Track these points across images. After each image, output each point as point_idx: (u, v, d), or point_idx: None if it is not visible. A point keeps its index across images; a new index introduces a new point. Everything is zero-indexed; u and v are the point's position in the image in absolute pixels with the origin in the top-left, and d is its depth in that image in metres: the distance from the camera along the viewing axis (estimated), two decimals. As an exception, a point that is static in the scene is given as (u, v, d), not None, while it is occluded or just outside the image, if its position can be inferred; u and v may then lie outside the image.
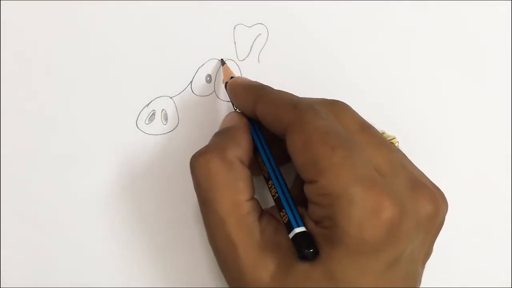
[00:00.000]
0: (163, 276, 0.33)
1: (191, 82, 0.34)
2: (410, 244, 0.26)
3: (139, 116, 0.34)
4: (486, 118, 0.37)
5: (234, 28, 0.35)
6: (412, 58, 0.37)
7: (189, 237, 0.33)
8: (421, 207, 0.27)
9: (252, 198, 0.28)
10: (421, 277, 0.29)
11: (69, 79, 0.33)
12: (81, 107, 0.33)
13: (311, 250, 0.26)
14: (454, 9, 0.37)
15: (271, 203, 0.29)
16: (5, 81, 0.33)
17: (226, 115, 0.32)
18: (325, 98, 0.30)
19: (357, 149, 0.27)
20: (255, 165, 0.30)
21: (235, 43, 0.35)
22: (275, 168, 0.29)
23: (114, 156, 0.33)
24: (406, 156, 0.29)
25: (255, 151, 0.30)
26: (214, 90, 0.34)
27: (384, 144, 0.28)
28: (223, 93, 0.34)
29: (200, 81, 0.34)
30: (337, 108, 0.29)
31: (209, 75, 0.34)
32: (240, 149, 0.29)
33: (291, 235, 0.27)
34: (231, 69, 0.34)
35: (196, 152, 0.28)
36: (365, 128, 0.29)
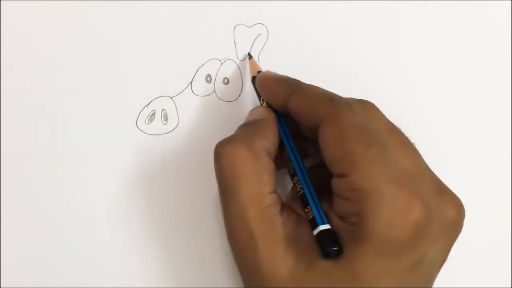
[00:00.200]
0: (168, 277, 0.33)
1: (191, 82, 0.34)
2: (434, 247, 0.26)
3: (139, 116, 0.34)
4: (486, 118, 0.37)
5: (234, 28, 0.35)
6: (412, 58, 0.37)
7: (190, 236, 0.33)
8: (447, 211, 0.27)
9: (275, 191, 0.28)
10: (434, 281, 0.29)
11: (69, 79, 0.33)
12: (81, 107, 0.33)
13: (335, 248, 0.26)
14: (454, 9, 0.37)
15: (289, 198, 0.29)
16: (5, 81, 0.33)
17: (252, 109, 0.32)
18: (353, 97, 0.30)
19: (388, 148, 0.27)
20: (277, 160, 0.30)
21: (235, 43, 0.35)
22: (300, 164, 0.29)
23: (114, 156, 0.33)
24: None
25: (281, 146, 0.30)
26: (214, 90, 0.34)
27: (411, 147, 0.28)
28: (223, 93, 0.34)
29: (200, 81, 0.34)
30: (367, 107, 0.29)
31: (209, 75, 0.34)
32: (267, 141, 0.29)
33: (315, 232, 0.27)
34: (231, 69, 0.34)
35: (222, 140, 0.28)
36: (393, 129, 0.29)
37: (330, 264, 0.26)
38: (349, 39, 0.36)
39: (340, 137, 0.27)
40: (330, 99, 0.28)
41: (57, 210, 0.33)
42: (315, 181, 0.29)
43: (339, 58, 0.36)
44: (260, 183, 0.27)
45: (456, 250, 0.36)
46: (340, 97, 0.29)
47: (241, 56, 0.35)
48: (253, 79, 0.33)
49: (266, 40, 0.35)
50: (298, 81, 0.30)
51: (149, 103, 0.34)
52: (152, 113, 0.34)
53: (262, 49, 0.35)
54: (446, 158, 0.36)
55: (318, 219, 0.27)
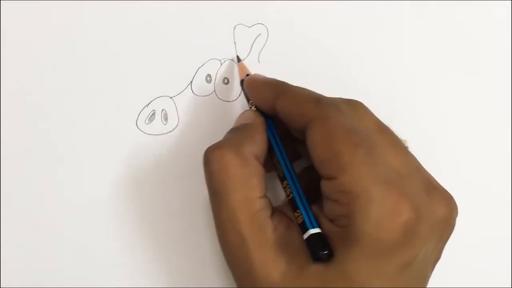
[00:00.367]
0: (164, 277, 0.33)
1: (191, 82, 0.34)
2: (424, 247, 0.26)
3: (139, 116, 0.34)
4: (486, 118, 0.37)
5: (234, 28, 0.35)
6: (412, 58, 0.37)
7: (189, 236, 0.33)
8: (436, 210, 0.27)
9: (265, 196, 0.28)
10: (429, 279, 0.29)
11: (69, 79, 0.33)
12: (81, 107, 0.33)
13: (326, 252, 0.26)
14: (454, 9, 0.37)
15: (280, 201, 0.29)
16: (5, 81, 0.33)
17: (241, 113, 0.32)
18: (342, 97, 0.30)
19: (376, 148, 0.27)
20: (267, 163, 0.30)
21: (235, 43, 0.35)
22: (290, 168, 0.29)
23: (114, 156, 0.33)
24: (417, 159, 0.29)
25: (269, 150, 0.30)
26: (214, 90, 0.34)
27: (400, 146, 0.28)
28: (223, 93, 0.34)
29: (200, 81, 0.34)
30: (355, 107, 0.29)
31: (209, 75, 0.34)
32: (256, 146, 0.29)
33: (305, 236, 0.27)
34: (231, 69, 0.34)
35: (211, 145, 0.28)
36: (382, 128, 0.29)
37: (321, 267, 0.26)
38: (349, 39, 0.36)
39: (327, 139, 0.26)
40: (317, 100, 0.28)
41: (57, 210, 0.33)
42: (308, 183, 0.29)
43: (339, 58, 0.36)
44: (250, 188, 0.27)
45: (456, 250, 0.36)
46: (327, 98, 0.28)
47: (241, 56, 0.35)
48: (242, 82, 0.33)
49: (266, 40, 0.35)
50: (285, 83, 0.30)
51: (149, 103, 0.34)
52: (152, 113, 0.34)
53: (262, 49, 0.35)
54: (446, 158, 0.36)
55: (308, 223, 0.27)
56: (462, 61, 0.37)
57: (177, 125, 0.34)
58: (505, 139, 0.37)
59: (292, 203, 0.28)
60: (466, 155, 0.37)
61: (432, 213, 0.27)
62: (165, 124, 0.34)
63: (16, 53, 0.33)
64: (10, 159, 0.32)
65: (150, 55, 0.34)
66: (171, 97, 0.34)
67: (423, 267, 0.27)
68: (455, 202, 0.28)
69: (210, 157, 0.28)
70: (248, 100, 0.32)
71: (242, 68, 0.34)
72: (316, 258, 0.26)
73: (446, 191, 0.28)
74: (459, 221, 0.35)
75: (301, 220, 0.27)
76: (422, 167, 0.29)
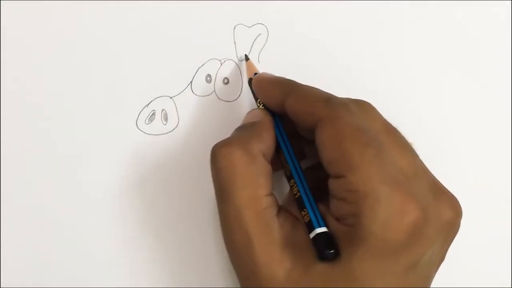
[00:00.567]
0: (166, 277, 0.33)
1: (191, 82, 0.34)
2: (431, 248, 0.26)
3: (139, 116, 0.34)
4: (486, 118, 0.37)
5: (234, 28, 0.35)
6: (412, 58, 0.37)
7: (189, 236, 0.33)
8: (443, 213, 0.27)
9: (271, 194, 0.28)
10: (432, 281, 0.29)
11: (69, 79, 0.33)
12: (81, 107, 0.33)
13: (332, 251, 0.26)
14: (454, 9, 0.37)
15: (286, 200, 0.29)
16: (5, 81, 0.33)
17: (249, 111, 0.32)
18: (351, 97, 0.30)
19: (384, 149, 0.27)
20: (274, 162, 0.30)
21: (235, 43, 0.35)
22: (297, 166, 0.29)
23: (114, 156, 0.33)
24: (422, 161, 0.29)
25: (276, 148, 0.30)
26: (214, 90, 0.34)
27: (408, 147, 0.28)
28: (223, 93, 0.34)
29: (200, 81, 0.34)
30: (364, 107, 0.29)
31: (209, 75, 0.34)
32: (263, 144, 0.29)
33: (312, 235, 0.27)
34: (231, 69, 0.34)
35: (218, 142, 0.28)
36: (390, 129, 0.29)
37: (327, 267, 0.26)
38: (349, 39, 0.36)
39: (337, 138, 0.27)
40: (327, 99, 0.28)
41: (57, 210, 0.33)
42: (314, 182, 0.29)
43: (339, 58, 0.36)
44: (257, 185, 0.27)
45: (456, 250, 0.36)
46: (337, 97, 0.29)
47: (241, 56, 0.35)
48: (250, 81, 0.33)
49: (266, 40, 0.35)
50: (294, 82, 0.30)
51: (149, 103, 0.34)
52: (152, 113, 0.34)
53: (262, 49, 0.35)
54: (446, 158, 0.36)
55: (314, 222, 0.27)
56: (462, 61, 0.37)
57: (177, 125, 0.34)
58: (505, 139, 0.37)
59: (299, 202, 0.28)
60: (466, 155, 0.37)
61: (439, 215, 0.27)
62: (165, 124, 0.34)
63: (16, 53, 0.33)
64: (10, 159, 0.32)
65: (150, 55, 0.34)
66: (171, 97, 0.34)
67: (428, 268, 0.27)
68: (460, 205, 0.28)
69: (218, 153, 0.28)
70: (256, 98, 0.32)
71: (250, 66, 0.34)
72: (323, 257, 0.26)
73: (452, 194, 0.28)
74: (459, 221, 0.35)
75: (308, 219, 0.27)
76: (428, 170, 0.29)
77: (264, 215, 0.27)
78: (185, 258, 0.33)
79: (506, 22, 0.38)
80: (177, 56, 0.34)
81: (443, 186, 0.28)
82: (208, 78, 0.34)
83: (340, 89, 0.34)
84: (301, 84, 0.30)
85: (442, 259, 0.29)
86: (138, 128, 0.33)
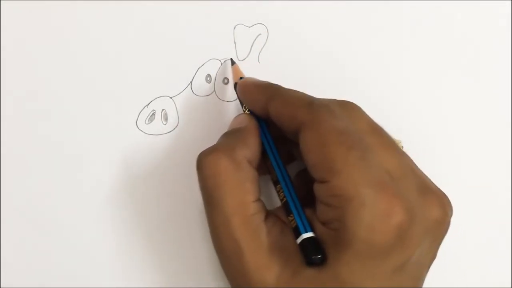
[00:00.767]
0: (163, 277, 0.33)
1: (191, 82, 0.34)
2: (418, 248, 0.26)
3: (139, 116, 0.34)
4: (486, 118, 0.37)
5: (234, 28, 0.35)
6: (412, 59, 0.37)
7: (189, 237, 0.33)
8: (430, 212, 0.27)
9: (258, 200, 0.28)
10: (424, 281, 0.29)
11: (69, 79, 0.33)
12: (81, 107, 0.33)
13: (319, 256, 0.26)
14: (454, 9, 0.37)
15: (275, 204, 0.29)
16: (5, 81, 0.33)
17: (235, 117, 0.32)
18: (335, 98, 0.30)
19: (369, 150, 0.26)
20: (260, 167, 0.30)
21: (235, 43, 0.35)
22: (283, 171, 0.29)
23: (114, 156, 0.33)
24: (412, 159, 0.29)
25: (263, 153, 0.30)
26: (214, 90, 0.34)
27: (394, 147, 0.28)
28: (223, 93, 0.34)
29: (200, 81, 0.34)
30: (348, 108, 0.29)
31: (209, 75, 0.34)
32: (249, 150, 0.29)
33: (298, 240, 0.27)
34: (231, 69, 0.34)
35: (204, 150, 0.28)
36: (376, 130, 0.28)
37: (314, 271, 0.26)
38: (349, 39, 0.36)
39: (319, 142, 0.26)
40: (309, 103, 0.28)
41: (57, 210, 0.33)
42: (303, 185, 0.29)
43: (339, 58, 0.36)
44: (244, 192, 0.27)
45: (456, 250, 0.36)
46: (319, 100, 0.28)
47: (241, 56, 0.35)
48: (236, 85, 0.33)
49: (266, 40, 0.35)
50: (278, 86, 0.30)
51: (149, 103, 0.34)
52: (152, 113, 0.34)
53: (262, 49, 0.35)
54: (446, 158, 0.36)
55: (301, 227, 0.27)
56: (462, 61, 0.37)
57: (177, 125, 0.34)
58: (505, 139, 0.37)
59: (285, 207, 0.28)
60: (466, 155, 0.37)
61: (426, 214, 0.27)
62: (165, 124, 0.34)
63: (16, 53, 0.33)
64: (10, 159, 0.32)
65: (150, 55, 0.34)
66: (171, 97, 0.34)
67: (417, 268, 0.27)
68: (449, 203, 0.28)
69: (203, 162, 0.28)
70: (241, 103, 0.32)
71: (236, 71, 0.34)
72: (310, 262, 0.26)
73: (440, 192, 0.28)
74: (459, 221, 0.35)
75: (295, 224, 0.27)
76: (417, 169, 0.28)
77: (252, 221, 0.27)
78: (184, 258, 0.33)
79: (506, 22, 0.38)
80: (177, 56, 0.34)
81: (432, 185, 0.28)
82: (208, 78, 0.34)
83: (340, 89, 0.34)
84: (284, 88, 0.30)
85: (433, 258, 0.28)
86: (138, 128, 0.33)
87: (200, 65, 0.34)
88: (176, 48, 0.34)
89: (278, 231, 0.28)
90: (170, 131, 0.34)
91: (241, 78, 0.33)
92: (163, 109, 0.34)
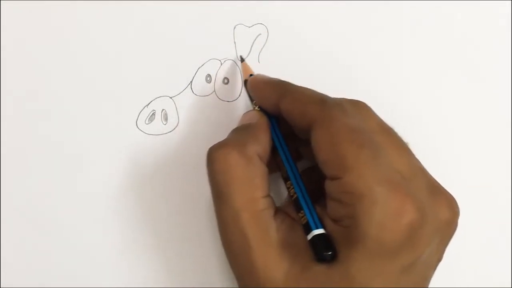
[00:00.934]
0: (165, 276, 0.33)
1: (191, 82, 0.34)
2: (428, 248, 0.26)
3: (139, 116, 0.34)
4: (486, 118, 0.37)
5: (234, 28, 0.35)
6: (412, 59, 0.37)
7: (189, 236, 0.33)
8: (440, 212, 0.27)
9: (268, 195, 0.28)
10: (430, 281, 0.29)
11: (69, 79, 0.33)
12: (81, 107, 0.33)
13: (330, 253, 0.26)
14: (454, 9, 0.37)
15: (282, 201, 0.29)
16: (5, 81, 0.33)
17: (245, 113, 0.32)
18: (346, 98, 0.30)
19: (380, 149, 0.27)
20: (270, 164, 0.30)
21: (235, 43, 0.35)
22: (294, 168, 0.29)
23: (114, 156, 0.33)
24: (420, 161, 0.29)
25: (273, 150, 0.30)
26: (214, 90, 0.34)
27: (404, 147, 0.28)
28: (223, 93, 0.34)
29: (200, 81, 0.34)
30: (359, 107, 0.29)
31: (209, 75, 0.34)
32: (259, 145, 0.29)
33: (309, 236, 0.27)
34: (231, 69, 0.34)
35: (214, 145, 0.28)
36: (386, 129, 0.29)
37: (324, 268, 0.26)
38: (349, 39, 0.36)
39: (332, 139, 0.26)
40: (322, 100, 0.28)
41: (57, 210, 0.33)
42: (312, 183, 0.29)
43: (339, 58, 0.36)
44: (253, 187, 0.27)
45: (456, 250, 0.36)
46: (331, 98, 0.28)
47: (239, 57, 0.35)
48: (245, 82, 0.33)
49: (266, 40, 0.35)
50: (289, 83, 0.30)
51: (149, 103, 0.34)
52: (152, 113, 0.34)
53: (262, 49, 0.35)
54: (447, 158, 0.36)
55: (311, 223, 0.27)
56: (462, 61, 0.37)
57: (177, 125, 0.34)
58: (505, 139, 0.37)
59: (296, 204, 0.28)
60: (466, 155, 0.37)
61: (436, 215, 0.27)
62: (165, 124, 0.34)
63: (16, 53, 0.33)
64: (10, 159, 0.32)
65: (150, 55, 0.34)
66: (171, 97, 0.34)
67: (425, 268, 0.27)
68: (457, 205, 0.28)
69: (214, 156, 0.28)
70: (251, 100, 0.32)
71: (245, 68, 0.34)
72: (320, 258, 0.26)
73: (449, 194, 0.28)
74: (459, 221, 0.35)
75: (305, 220, 0.27)
76: (425, 169, 0.29)
77: (262, 216, 0.27)
78: (184, 258, 0.33)
79: (506, 22, 0.38)
80: (177, 56, 0.34)
81: (441, 186, 0.28)
82: (208, 78, 0.34)
83: (340, 89, 0.34)
84: (296, 85, 0.30)
85: (439, 258, 0.29)
86: (138, 128, 0.33)
87: (200, 65, 0.34)
88: (176, 48, 0.34)
89: (287, 227, 0.28)
90: (170, 131, 0.34)
91: (251, 75, 0.33)
92: (163, 109, 0.34)
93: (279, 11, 0.35)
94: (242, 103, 0.34)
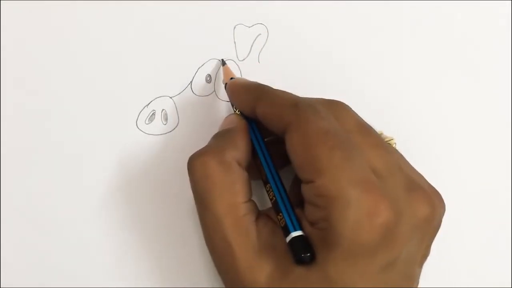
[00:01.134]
0: (162, 276, 0.33)
1: (191, 82, 0.34)
2: (406, 246, 0.26)
3: (139, 116, 0.34)
4: (486, 118, 0.37)
5: (234, 28, 0.35)
6: (412, 59, 0.37)
7: (189, 237, 0.33)
8: (417, 209, 0.27)
9: (249, 200, 0.28)
10: (418, 278, 0.29)
11: (69, 79, 0.33)
12: (81, 107, 0.33)
13: (308, 255, 0.26)
14: (454, 9, 0.37)
15: (269, 205, 0.29)
16: (5, 81, 0.33)
17: (226, 117, 0.32)
18: (324, 97, 0.30)
19: (355, 150, 0.26)
20: (253, 168, 0.30)
21: (235, 43, 0.35)
22: (273, 171, 0.29)
23: (114, 156, 0.33)
24: (403, 157, 0.29)
25: (254, 153, 0.30)
26: (214, 90, 0.34)
27: (381, 145, 0.28)
28: (223, 93, 0.34)
29: (200, 81, 0.34)
30: (336, 107, 0.29)
31: (209, 75, 0.34)
32: (238, 151, 0.29)
33: (287, 239, 0.27)
34: (232, 69, 0.34)
35: (193, 153, 0.28)
36: (363, 128, 0.29)
37: (304, 270, 0.26)
38: (349, 39, 0.36)
39: (304, 142, 0.26)
40: (295, 103, 0.28)
41: (57, 210, 0.33)
42: (299, 188, 0.29)
43: (339, 58, 0.36)
44: (233, 193, 0.28)
45: (456, 250, 0.36)
46: (305, 100, 0.28)
47: (241, 56, 0.35)
48: (226, 86, 0.33)
49: (266, 40, 0.35)
50: (265, 87, 0.30)
51: (149, 103, 0.34)
52: (152, 113, 0.34)
53: (262, 49, 0.35)
54: (446, 158, 0.36)
55: (290, 226, 0.27)
56: (462, 61, 0.37)
57: (177, 125, 0.34)
58: (505, 139, 0.37)
59: (275, 206, 0.28)
60: (466, 155, 0.37)
61: (413, 213, 0.27)
62: (165, 124, 0.34)
63: (16, 53, 0.33)
64: (10, 159, 0.32)
65: (150, 55, 0.34)
66: (171, 97, 0.34)
67: (407, 266, 0.27)
68: (438, 200, 0.28)
69: (193, 165, 0.28)
70: (232, 104, 0.32)
71: (226, 71, 0.34)
72: (298, 260, 0.26)
73: (431, 189, 0.28)
74: (459, 221, 0.35)
75: (284, 223, 0.27)
76: (406, 166, 0.28)
77: (243, 221, 0.27)
78: (183, 258, 0.33)
79: (506, 22, 0.38)
80: (177, 56, 0.34)
81: (421, 181, 0.28)
82: (208, 78, 0.34)
83: (340, 89, 0.34)
84: (272, 89, 0.30)
85: (425, 255, 0.28)
86: (138, 128, 0.33)
87: (200, 65, 0.34)
88: (176, 48, 0.34)
89: (269, 231, 0.28)
90: (170, 131, 0.34)
91: (231, 78, 0.33)
92: (163, 109, 0.34)
93: (279, 11, 0.35)
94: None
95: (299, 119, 0.27)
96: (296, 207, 0.28)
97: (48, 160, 0.33)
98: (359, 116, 0.29)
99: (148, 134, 0.34)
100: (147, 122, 0.34)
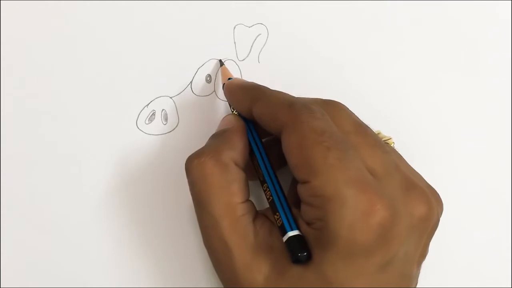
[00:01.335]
0: (160, 276, 0.33)
1: (191, 82, 0.34)
2: (403, 246, 0.26)
3: (139, 116, 0.34)
4: (487, 118, 0.37)
5: (234, 28, 0.35)
6: (412, 59, 0.37)
7: (189, 236, 0.33)
8: (414, 209, 0.27)
9: (247, 200, 0.28)
10: (417, 277, 0.29)
11: (69, 79, 0.33)
12: (81, 107, 0.33)
13: (304, 254, 0.26)
14: (454, 9, 0.37)
15: (266, 205, 0.29)
16: (5, 81, 0.33)
17: (223, 118, 0.32)
18: (321, 97, 0.30)
19: (351, 150, 0.27)
20: (251, 169, 0.30)
21: (235, 43, 0.35)
22: (270, 170, 0.29)
23: (114, 156, 0.33)
24: (401, 156, 0.29)
25: (251, 153, 0.30)
26: (214, 90, 0.34)
27: (378, 145, 0.28)
28: (222, 93, 0.34)
29: (200, 81, 0.34)
30: (332, 108, 0.29)
31: (209, 75, 0.34)
32: (235, 151, 0.29)
33: (284, 238, 0.27)
34: (231, 69, 0.34)
35: (191, 154, 0.29)
36: (360, 128, 0.29)
37: (301, 269, 0.26)
38: (349, 39, 0.36)
39: (299, 143, 0.26)
40: (291, 104, 0.28)
41: (57, 211, 0.33)
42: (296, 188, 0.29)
43: (339, 58, 0.36)
44: (231, 194, 0.28)
45: (456, 250, 0.36)
46: (301, 101, 0.28)
47: (241, 56, 0.35)
48: (223, 86, 0.33)
49: (266, 40, 0.35)
50: (262, 87, 0.30)
51: (149, 103, 0.34)
52: (152, 113, 0.34)
53: (262, 49, 0.35)
54: (447, 158, 0.36)
55: (286, 225, 0.27)
56: (462, 61, 0.37)
57: (177, 125, 0.34)
58: (505, 139, 0.37)
59: (272, 206, 0.28)
60: (466, 155, 0.37)
61: (410, 211, 0.27)
62: (165, 124, 0.34)
63: (16, 53, 0.33)
64: (10, 159, 0.32)
65: (150, 55, 0.34)
66: (171, 97, 0.34)
67: (405, 265, 0.27)
68: (436, 199, 0.28)
69: (190, 166, 0.28)
70: (230, 104, 0.32)
71: (224, 72, 0.34)
72: (295, 259, 0.26)
73: (428, 189, 0.28)
74: (459, 221, 0.35)
75: (281, 223, 0.27)
76: (404, 165, 0.29)
77: (241, 222, 0.28)
78: (181, 258, 0.33)
79: (506, 22, 0.38)
80: (177, 56, 0.34)
81: (419, 181, 0.28)
82: (208, 78, 0.34)
83: (339, 89, 0.34)
84: (268, 90, 0.30)
85: (423, 254, 0.28)
86: (138, 128, 0.33)
87: (200, 65, 0.34)
88: (176, 48, 0.34)
89: (267, 231, 0.28)
90: (170, 131, 0.34)
91: (229, 79, 0.33)
92: (163, 109, 0.34)
93: (279, 11, 0.35)
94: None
95: (295, 119, 0.27)
96: (295, 207, 0.28)
97: (48, 160, 0.33)
98: (355, 115, 0.29)
99: (148, 134, 0.34)
100: (147, 122, 0.34)
